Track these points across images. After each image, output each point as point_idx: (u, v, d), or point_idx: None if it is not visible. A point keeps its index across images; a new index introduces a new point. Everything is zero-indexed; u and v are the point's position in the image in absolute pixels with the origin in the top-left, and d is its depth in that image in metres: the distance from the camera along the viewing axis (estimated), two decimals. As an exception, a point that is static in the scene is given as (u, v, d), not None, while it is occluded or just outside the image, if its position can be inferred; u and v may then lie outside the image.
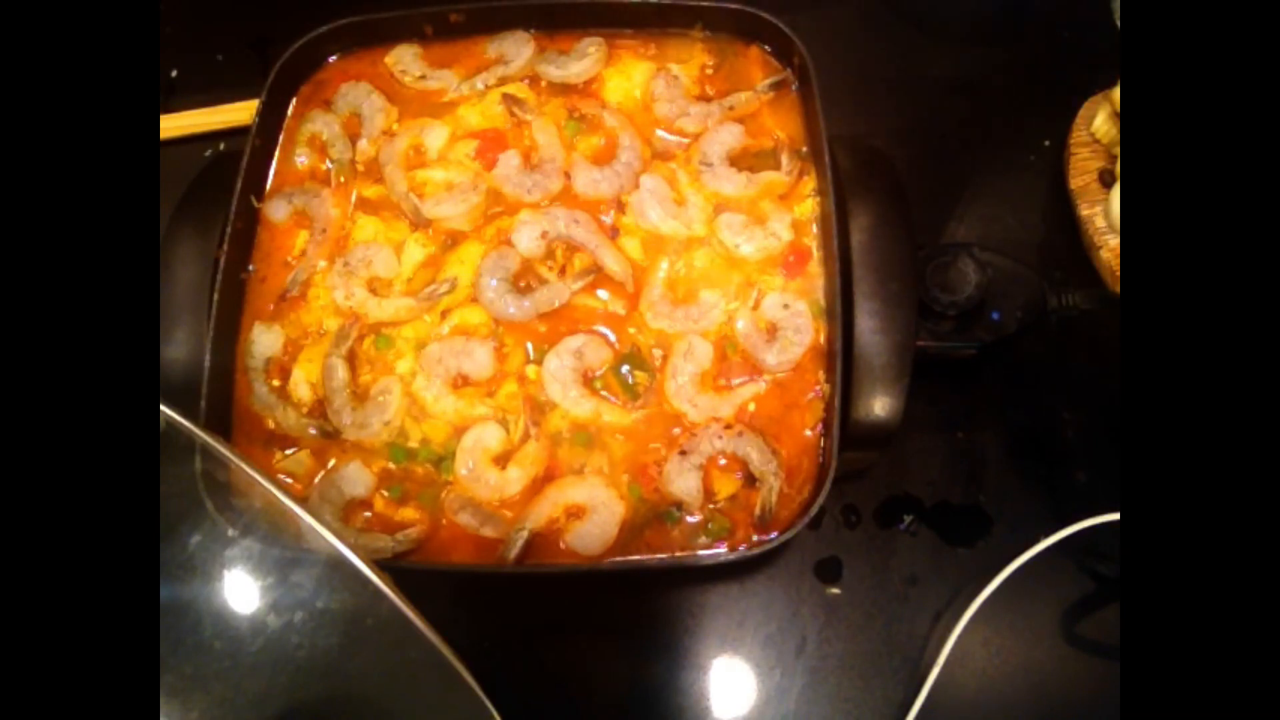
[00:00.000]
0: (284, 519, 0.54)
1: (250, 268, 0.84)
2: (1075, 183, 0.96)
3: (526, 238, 0.82)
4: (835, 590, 0.85)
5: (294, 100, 0.91)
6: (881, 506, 0.88)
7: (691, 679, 0.83)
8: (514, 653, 0.83)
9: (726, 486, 0.77)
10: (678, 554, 0.76)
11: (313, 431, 0.79)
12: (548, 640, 0.85)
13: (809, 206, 0.83)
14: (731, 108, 0.87)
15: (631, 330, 0.81)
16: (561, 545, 0.75)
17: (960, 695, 0.81)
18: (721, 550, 0.75)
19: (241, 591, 0.55)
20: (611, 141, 0.87)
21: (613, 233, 0.84)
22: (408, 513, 0.77)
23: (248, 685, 0.53)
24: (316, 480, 0.78)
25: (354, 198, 0.87)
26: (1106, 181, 0.95)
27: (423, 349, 0.80)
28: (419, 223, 0.84)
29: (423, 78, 0.90)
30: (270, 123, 0.88)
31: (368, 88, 0.90)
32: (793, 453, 0.77)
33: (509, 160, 0.86)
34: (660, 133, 0.88)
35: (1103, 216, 0.93)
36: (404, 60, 0.91)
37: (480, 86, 0.89)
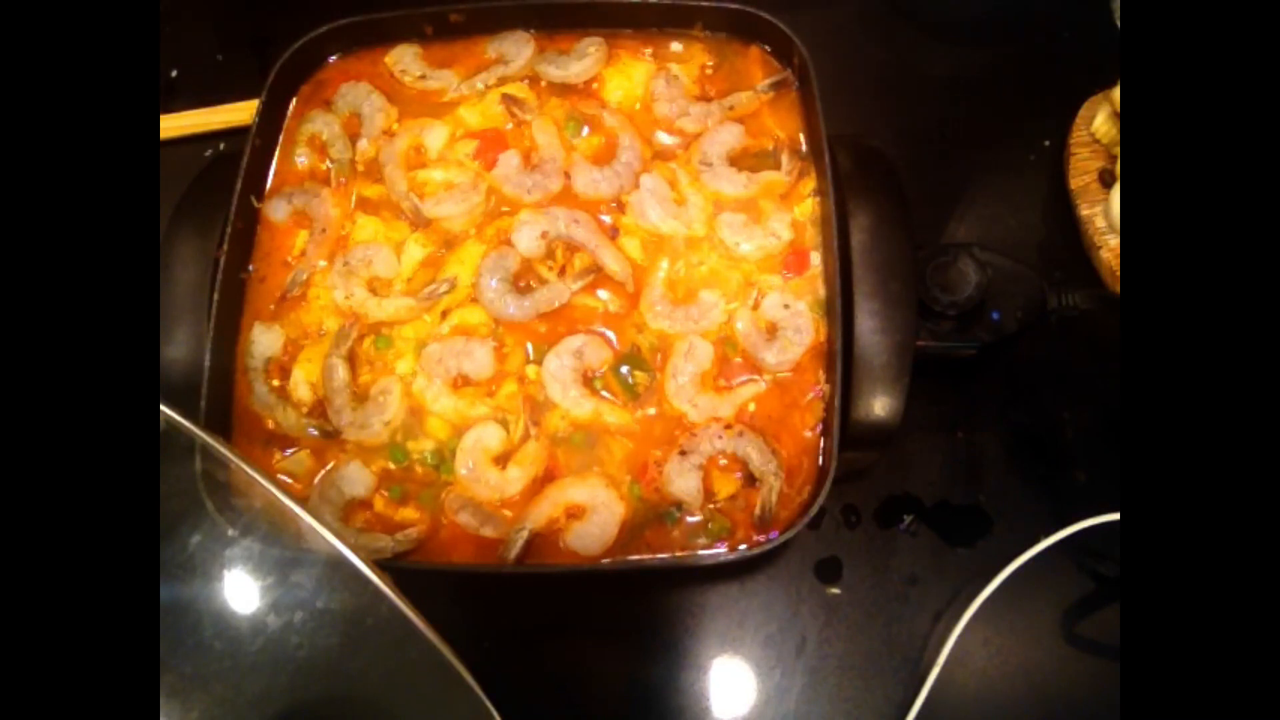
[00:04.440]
0: (284, 519, 0.54)
1: (250, 268, 0.84)
2: (1075, 183, 0.96)
3: (526, 238, 0.82)
4: (835, 590, 0.85)
5: (294, 100, 0.91)
6: (881, 506, 0.88)
7: (691, 679, 0.83)
8: (514, 653, 0.83)
9: (726, 486, 0.77)
10: (678, 554, 0.76)
11: (313, 431, 0.79)
12: (548, 640, 0.84)
13: (809, 206, 0.83)
14: (731, 108, 0.87)
15: (632, 330, 0.81)
16: (561, 545, 0.75)
17: (960, 695, 0.81)
18: (721, 550, 0.75)
19: (241, 591, 0.55)
20: (611, 141, 0.87)
21: (613, 233, 0.84)
22: (408, 513, 0.77)
23: (248, 685, 0.53)
24: (316, 480, 0.78)
25: (354, 198, 0.87)
26: (1106, 181, 0.95)
27: (423, 349, 0.80)
28: (419, 223, 0.84)
29: (423, 78, 0.90)
30: (270, 123, 0.88)
31: (368, 88, 0.90)
32: (793, 453, 0.77)
33: (509, 160, 0.86)
34: (660, 133, 0.88)
35: (1103, 216, 0.94)
36: (404, 60, 0.91)
37: (480, 86, 0.89)
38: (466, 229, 0.84)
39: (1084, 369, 0.91)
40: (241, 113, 1.04)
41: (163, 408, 0.51)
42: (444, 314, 0.82)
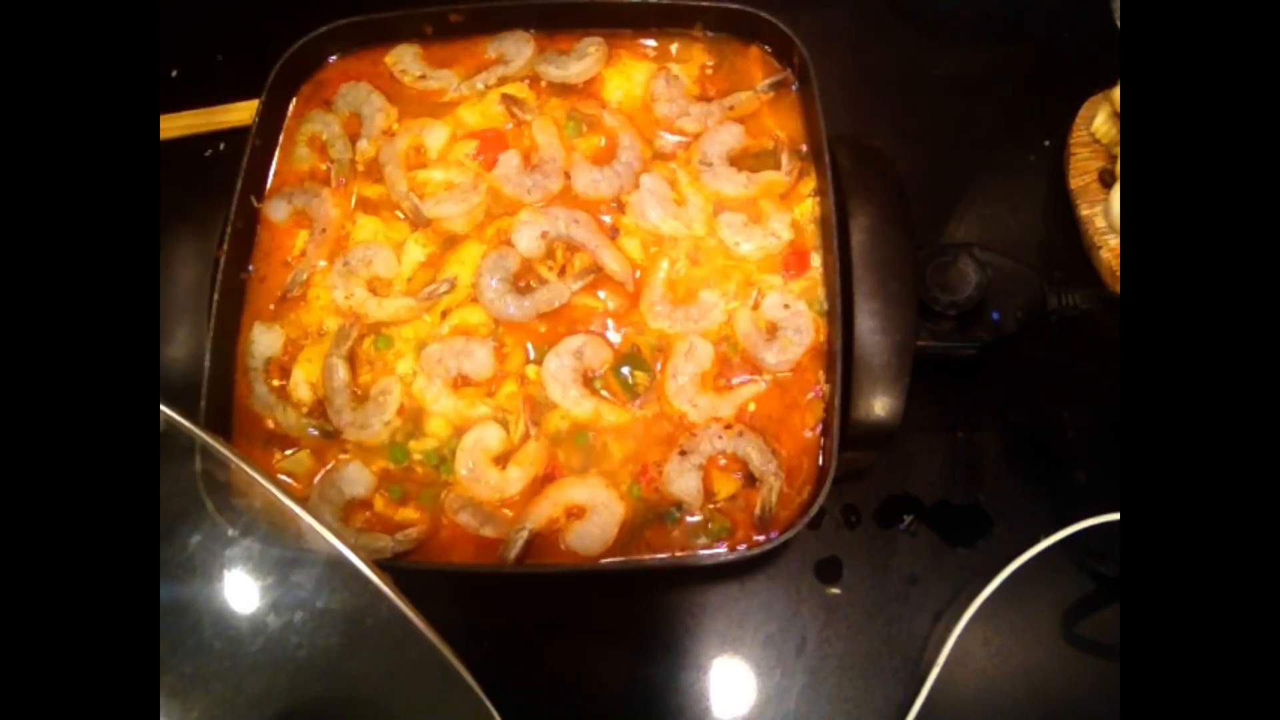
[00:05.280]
0: (284, 519, 0.53)
1: (250, 268, 0.84)
2: (1075, 183, 0.96)
3: (526, 238, 0.82)
4: (835, 590, 0.85)
5: (294, 100, 0.91)
6: (881, 506, 0.88)
7: (691, 679, 0.83)
8: (514, 653, 0.83)
9: (726, 486, 0.77)
10: (678, 554, 0.76)
11: (313, 431, 0.79)
12: (548, 640, 0.84)
13: (809, 206, 0.83)
14: (731, 108, 0.87)
15: (631, 330, 0.81)
16: (562, 545, 0.75)
17: (960, 695, 0.81)
18: (721, 550, 0.75)
19: (241, 591, 0.55)
20: (611, 141, 0.87)
21: (613, 233, 0.84)
22: (408, 513, 0.77)
23: (248, 685, 0.53)
24: (316, 480, 0.78)
25: (354, 198, 0.87)
26: (1106, 181, 0.95)
27: (423, 349, 0.80)
28: (419, 223, 0.84)
29: (423, 78, 0.90)
30: (270, 123, 0.88)
31: (368, 88, 0.90)
32: (793, 453, 0.77)
33: (509, 160, 0.86)
34: (660, 133, 0.88)
35: (1103, 216, 0.93)
36: (404, 60, 0.91)
37: (480, 86, 0.89)
38: (466, 229, 0.84)
39: (1084, 369, 0.91)
40: (241, 113, 1.04)
41: (163, 408, 0.51)
42: (444, 314, 0.82)
